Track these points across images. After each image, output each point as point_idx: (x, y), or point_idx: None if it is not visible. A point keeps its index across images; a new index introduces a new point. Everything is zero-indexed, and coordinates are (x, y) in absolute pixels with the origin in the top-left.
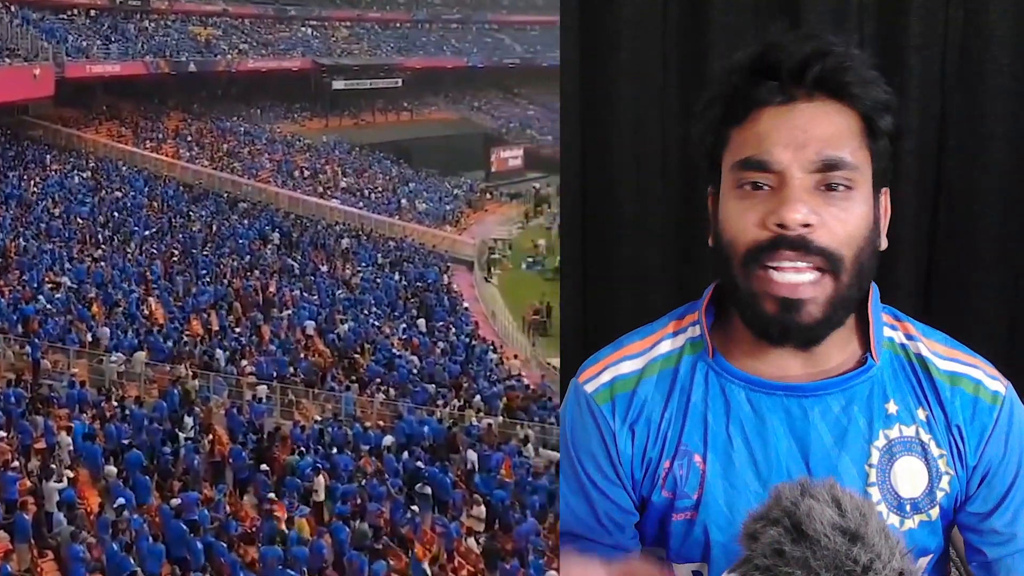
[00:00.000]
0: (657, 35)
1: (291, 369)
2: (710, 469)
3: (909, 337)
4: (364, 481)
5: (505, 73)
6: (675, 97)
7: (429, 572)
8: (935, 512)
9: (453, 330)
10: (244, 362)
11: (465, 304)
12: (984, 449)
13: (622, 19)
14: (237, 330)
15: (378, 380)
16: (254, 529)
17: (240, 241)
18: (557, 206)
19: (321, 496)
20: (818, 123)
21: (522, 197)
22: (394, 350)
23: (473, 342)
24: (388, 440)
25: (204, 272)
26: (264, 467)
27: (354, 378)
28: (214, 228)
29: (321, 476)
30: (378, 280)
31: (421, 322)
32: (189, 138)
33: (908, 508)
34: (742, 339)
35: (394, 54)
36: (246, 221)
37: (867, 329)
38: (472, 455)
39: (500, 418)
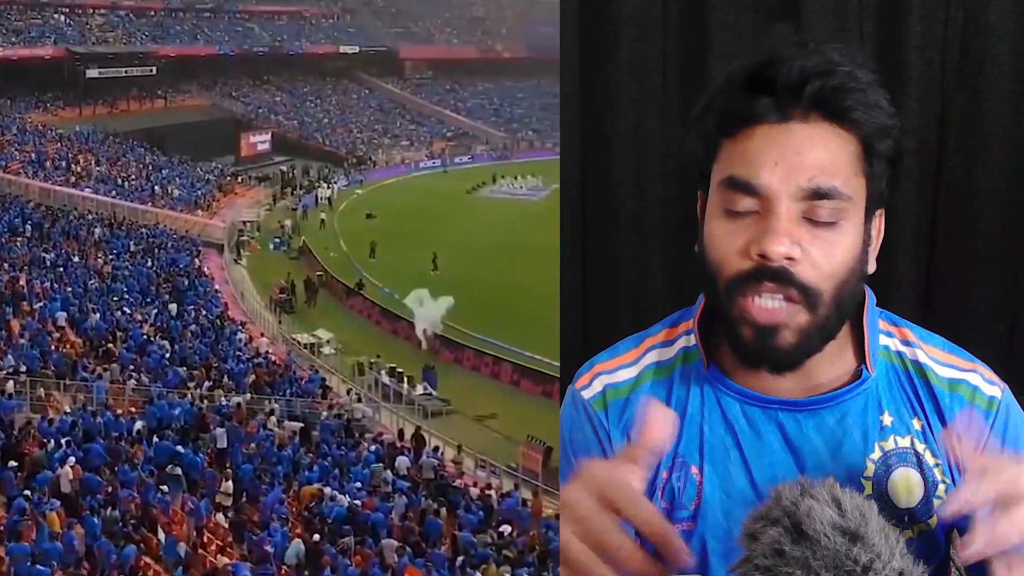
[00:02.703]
0: (657, 35)
1: (42, 362)
2: (707, 480)
3: (906, 343)
4: (116, 468)
5: (255, 61)
6: (675, 97)
7: (181, 551)
8: (933, 521)
9: (204, 313)
10: None
11: (216, 287)
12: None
13: (622, 19)
14: None
15: (131, 367)
16: (2, 528)
17: None
18: (302, 187)
19: (68, 488)
20: (812, 147)
21: (270, 180)
22: (146, 336)
23: (223, 323)
24: (139, 425)
25: None
26: (12, 463)
27: (106, 366)
28: None
29: (68, 468)
30: (130, 268)
31: (173, 307)
32: None
33: (906, 519)
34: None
35: (148, 42)
36: None
37: (862, 339)
38: (221, 432)
39: (248, 395)
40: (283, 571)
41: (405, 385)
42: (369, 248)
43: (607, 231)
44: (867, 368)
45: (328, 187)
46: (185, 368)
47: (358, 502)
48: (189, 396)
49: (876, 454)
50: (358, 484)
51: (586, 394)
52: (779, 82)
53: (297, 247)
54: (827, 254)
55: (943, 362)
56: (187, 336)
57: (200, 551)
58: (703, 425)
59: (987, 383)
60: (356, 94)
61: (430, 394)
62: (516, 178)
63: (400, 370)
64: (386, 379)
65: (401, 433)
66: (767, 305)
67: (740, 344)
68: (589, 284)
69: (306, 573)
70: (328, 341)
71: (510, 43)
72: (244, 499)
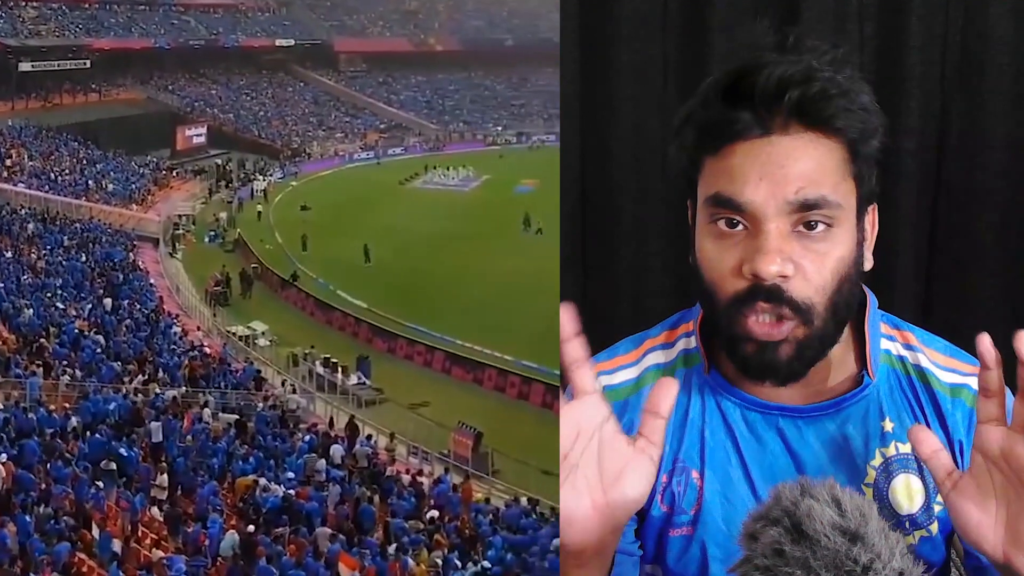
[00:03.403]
0: (657, 36)
1: None
2: (707, 485)
3: (908, 347)
4: (49, 464)
5: (190, 54)
6: (675, 98)
7: (115, 547)
8: (935, 527)
9: (139, 307)
10: None
11: (151, 280)
12: None
13: (622, 19)
14: None
15: (64, 362)
16: None
17: None
18: (238, 180)
19: (0, 486)
20: (796, 159)
21: (205, 173)
22: (80, 331)
23: (158, 317)
24: (74, 421)
25: None
26: None
27: (39, 362)
28: None
29: (0, 466)
30: (64, 263)
31: (108, 301)
32: None
33: (907, 524)
34: None
35: (82, 35)
36: None
37: (863, 345)
38: (156, 426)
39: (183, 388)
40: (218, 563)
41: (339, 375)
42: (301, 241)
43: (607, 231)
44: (868, 374)
45: (263, 179)
46: (119, 363)
47: (292, 492)
48: (123, 390)
49: (877, 460)
50: (292, 474)
51: None
52: (756, 93)
53: (232, 240)
54: (819, 267)
55: (945, 367)
56: (122, 331)
57: (135, 545)
58: (704, 430)
59: None
60: (291, 87)
61: (364, 383)
62: (448, 169)
63: (334, 360)
64: (320, 369)
65: (333, 422)
66: (765, 320)
67: (742, 360)
68: (588, 285)
69: (241, 564)
70: (263, 333)
71: (442, 36)
72: (179, 492)
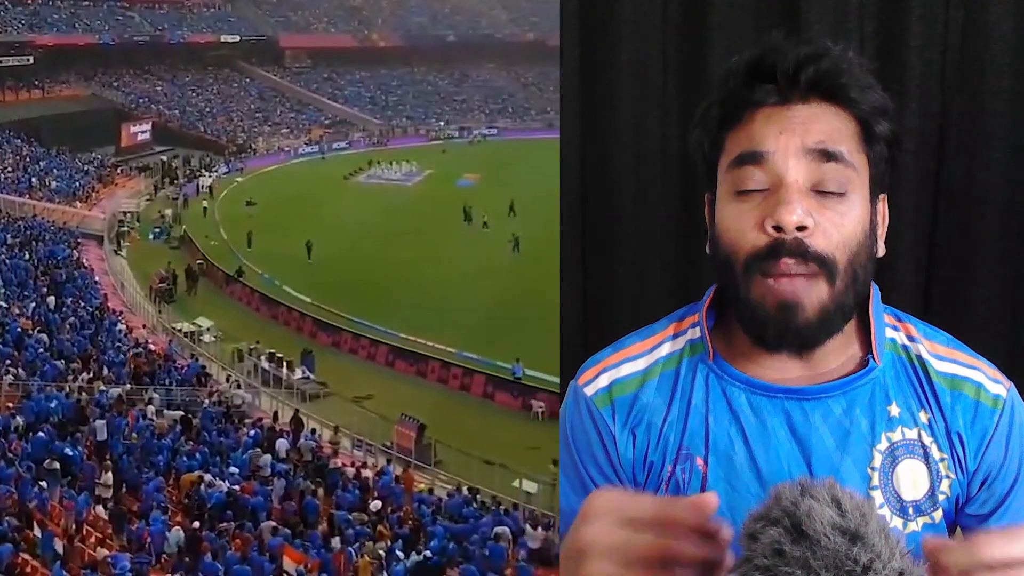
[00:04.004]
0: (657, 35)
1: None
2: (712, 472)
3: (911, 339)
4: None
5: (135, 50)
6: (675, 97)
7: (58, 546)
8: (938, 514)
9: (83, 305)
10: None
11: (95, 278)
12: (984, 454)
13: (622, 19)
14: None
15: (8, 361)
16: None
17: None
18: (183, 176)
19: None
20: (815, 120)
21: (151, 170)
22: (23, 329)
23: (102, 315)
24: (17, 421)
25: None
26: None
27: None
28: None
29: None
30: (7, 261)
31: (51, 299)
32: None
33: (911, 511)
34: (743, 342)
35: (25, 31)
36: None
37: (868, 331)
38: (101, 424)
39: (128, 385)
40: (163, 559)
41: (284, 370)
42: (247, 238)
43: (607, 231)
44: (874, 358)
45: (209, 176)
46: (63, 361)
47: (237, 487)
48: (67, 389)
49: (883, 445)
50: (236, 469)
51: (589, 390)
52: (778, 71)
53: (178, 236)
54: (837, 224)
55: (945, 357)
56: (66, 329)
57: (79, 544)
58: (708, 417)
59: (992, 381)
60: (237, 83)
61: (308, 378)
62: (391, 164)
63: (279, 355)
64: (265, 364)
65: (276, 416)
66: (786, 283)
67: (761, 326)
68: (589, 285)
69: (187, 560)
70: (208, 329)
71: (385, 33)
72: (124, 490)
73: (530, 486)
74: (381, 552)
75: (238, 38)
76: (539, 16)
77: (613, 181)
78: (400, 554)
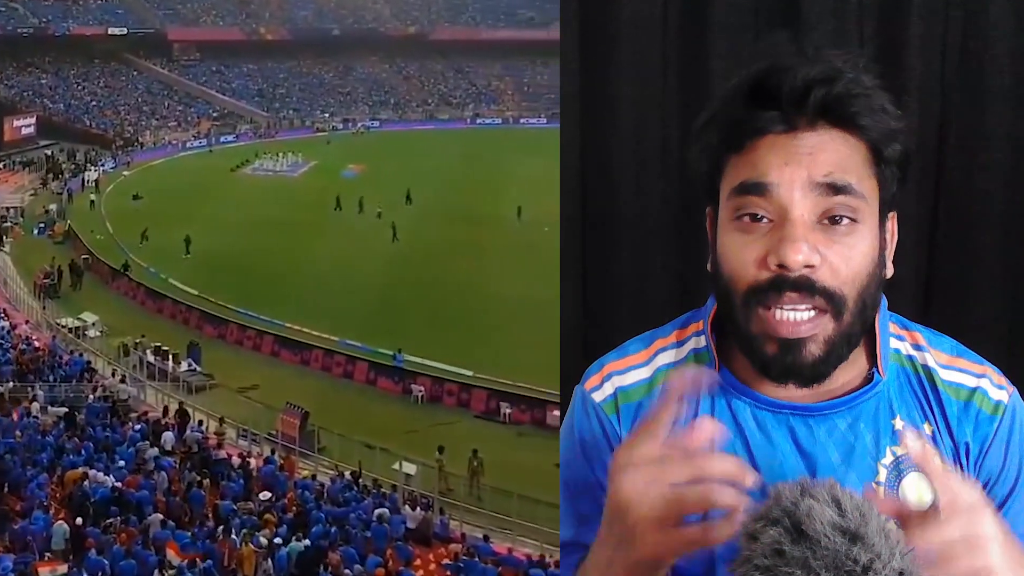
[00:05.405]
0: (657, 35)
1: None
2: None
3: (916, 347)
4: None
5: (19, 42)
6: (675, 97)
7: None
8: None
9: None
10: None
11: None
12: (984, 459)
13: (622, 19)
14: None
15: None
16: None
17: None
18: (68, 171)
19: None
20: (823, 149)
21: (35, 165)
22: None
23: None
24: None
25: None
26: None
27: None
28: None
29: None
30: None
31: None
32: None
33: None
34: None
35: None
36: None
37: (874, 343)
38: None
39: (11, 383)
40: (47, 557)
41: (170, 363)
42: (141, 235)
43: (607, 231)
44: (878, 371)
45: (95, 170)
46: None
47: (120, 483)
48: None
49: (888, 459)
50: (122, 463)
51: (597, 396)
52: (783, 93)
53: (63, 231)
54: (846, 258)
55: (950, 366)
56: None
57: None
58: None
59: (995, 387)
60: (124, 76)
61: (194, 370)
62: (277, 156)
63: (165, 348)
64: (151, 358)
65: (166, 410)
66: (790, 318)
67: (763, 361)
68: (589, 285)
69: (72, 557)
70: (93, 324)
71: (273, 26)
72: (6, 489)
73: (409, 467)
74: (264, 540)
75: (125, 31)
76: (420, 11)
77: (613, 181)
78: (280, 541)
